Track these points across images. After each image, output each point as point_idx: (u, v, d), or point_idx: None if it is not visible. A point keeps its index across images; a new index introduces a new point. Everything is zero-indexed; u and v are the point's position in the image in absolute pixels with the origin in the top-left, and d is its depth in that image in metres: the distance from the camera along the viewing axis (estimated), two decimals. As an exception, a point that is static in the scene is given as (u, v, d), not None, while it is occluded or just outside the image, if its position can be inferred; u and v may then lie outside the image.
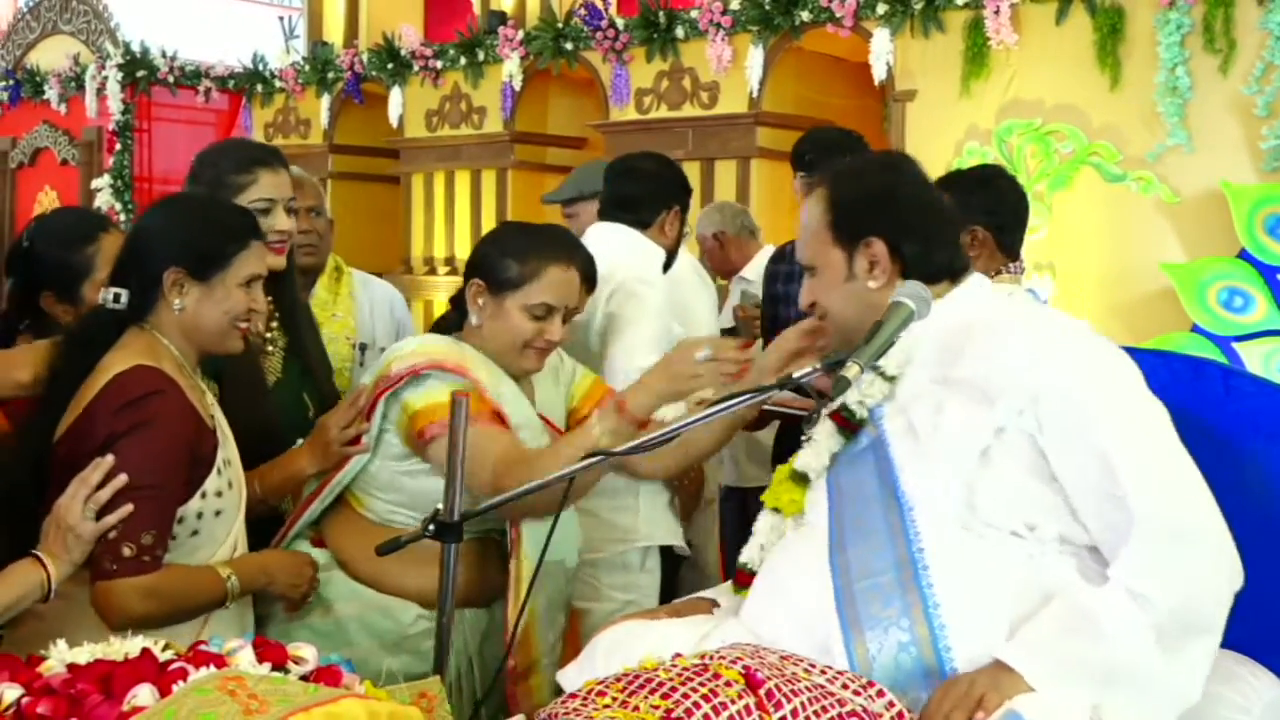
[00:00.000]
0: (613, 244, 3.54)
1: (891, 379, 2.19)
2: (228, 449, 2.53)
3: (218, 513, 2.47)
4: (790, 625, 2.14)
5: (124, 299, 2.47)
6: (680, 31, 6.85)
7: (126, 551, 2.30)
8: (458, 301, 2.86)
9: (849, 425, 2.22)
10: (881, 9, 6.00)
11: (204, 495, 2.43)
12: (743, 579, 2.32)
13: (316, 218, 3.53)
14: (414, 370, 2.67)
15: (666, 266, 3.78)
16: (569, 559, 2.86)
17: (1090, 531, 2.05)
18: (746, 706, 1.79)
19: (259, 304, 2.56)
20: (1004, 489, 2.06)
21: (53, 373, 2.48)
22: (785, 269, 4.27)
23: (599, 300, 3.44)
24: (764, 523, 2.34)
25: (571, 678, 2.22)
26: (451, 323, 2.88)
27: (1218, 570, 1.98)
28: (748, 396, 2.25)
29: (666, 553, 3.57)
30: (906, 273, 2.22)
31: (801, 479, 2.26)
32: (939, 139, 5.87)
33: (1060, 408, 2.04)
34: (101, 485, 2.29)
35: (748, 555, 2.34)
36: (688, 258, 3.98)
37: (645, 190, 3.76)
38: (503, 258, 2.74)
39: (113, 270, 2.54)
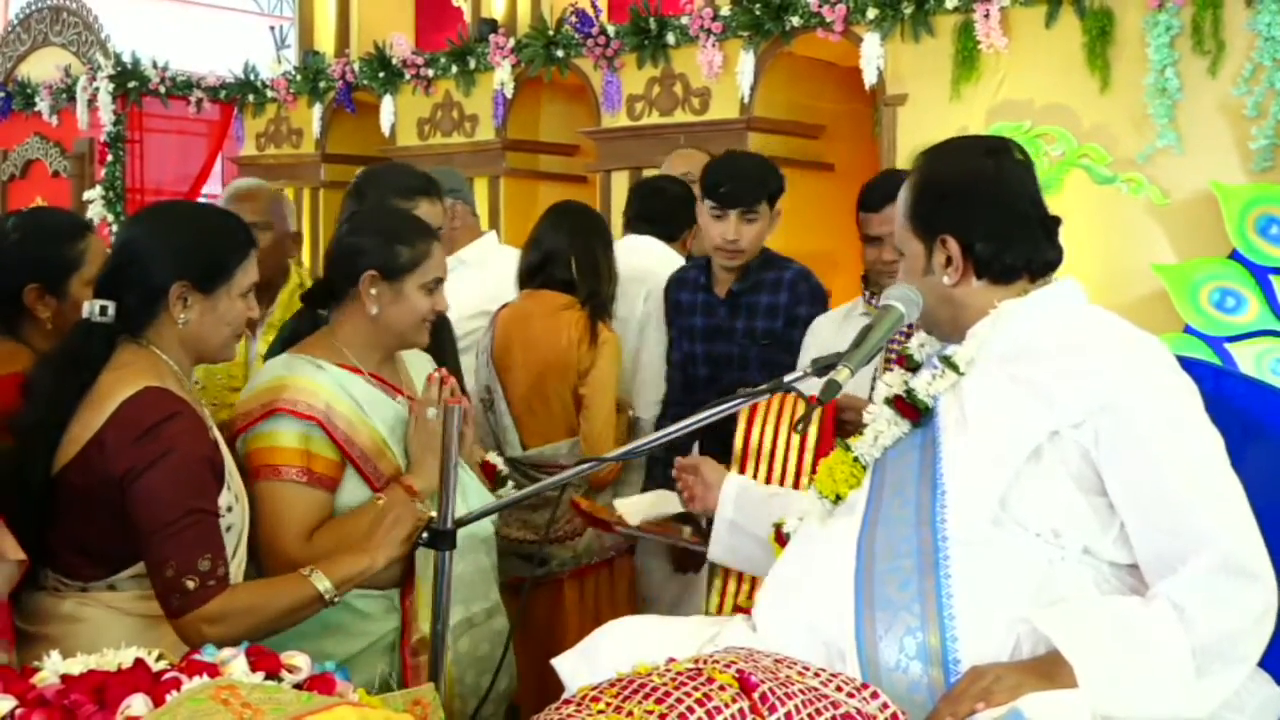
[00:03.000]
0: (645, 252, 4.14)
1: (961, 373, 2.20)
2: (229, 461, 2.52)
3: (228, 527, 2.45)
4: (807, 603, 2.16)
5: (111, 311, 2.42)
6: (671, 38, 6.85)
7: (190, 584, 2.30)
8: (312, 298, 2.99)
9: (913, 413, 2.22)
10: (871, 14, 6.00)
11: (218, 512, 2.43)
12: (782, 539, 2.37)
13: (261, 232, 3.37)
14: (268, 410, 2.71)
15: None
16: (480, 529, 2.88)
17: (1135, 550, 2.07)
18: (741, 710, 1.79)
19: (255, 313, 2.56)
20: (1041, 491, 2.07)
21: (43, 393, 2.41)
22: (689, 298, 3.99)
23: (637, 300, 4.05)
24: (807, 500, 2.37)
25: (570, 667, 2.23)
26: (305, 323, 2.98)
27: (1265, 614, 2.00)
28: (738, 401, 2.27)
29: None
30: (980, 271, 2.24)
31: (856, 463, 2.28)
32: (929, 142, 5.83)
33: (1124, 426, 2.04)
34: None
35: (791, 525, 2.40)
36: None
37: (673, 208, 4.35)
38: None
39: (99, 282, 2.49)
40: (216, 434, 2.52)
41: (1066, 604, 2.03)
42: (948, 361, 2.21)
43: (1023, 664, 1.99)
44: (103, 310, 2.42)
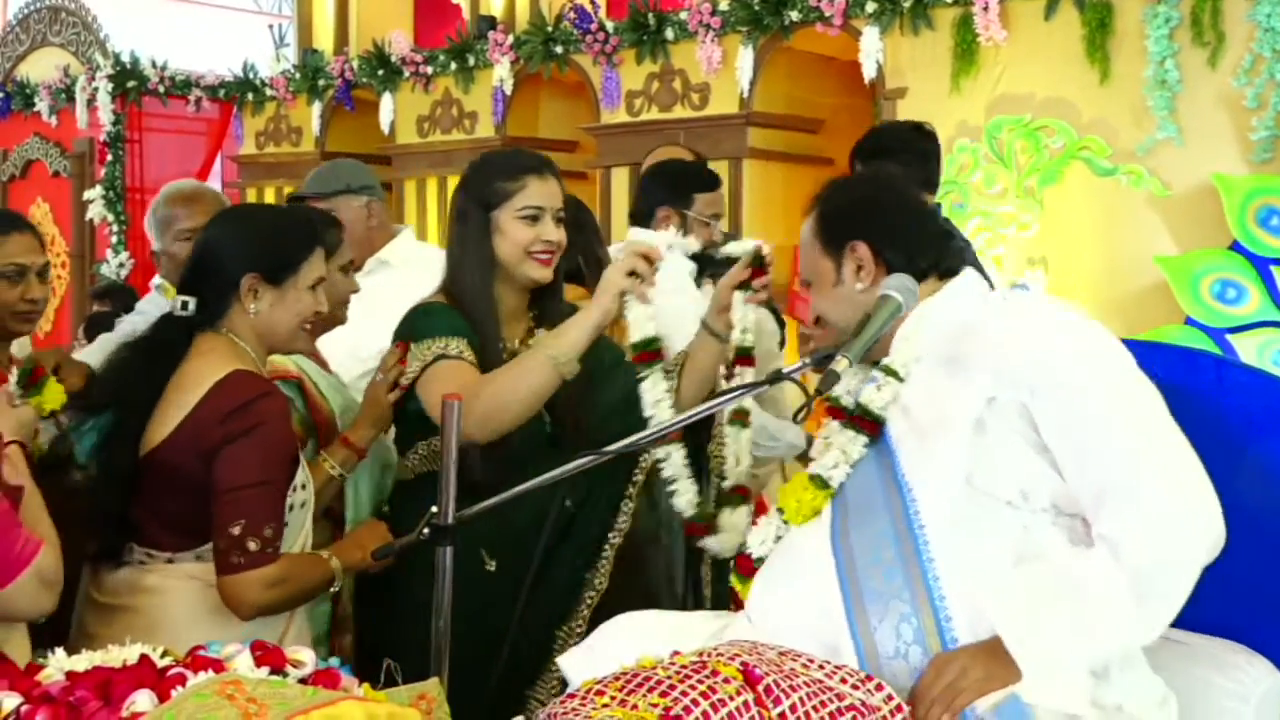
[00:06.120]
0: None
1: (902, 379, 2.23)
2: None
3: (302, 504, 2.61)
4: (796, 612, 2.17)
5: (192, 306, 2.59)
6: (670, 33, 6.85)
7: (252, 546, 2.43)
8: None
9: (872, 427, 2.24)
10: (870, 7, 6.00)
11: (294, 489, 2.56)
12: (744, 564, 2.35)
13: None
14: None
15: (702, 266, 3.84)
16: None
17: (1076, 493, 2.09)
18: (745, 703, 1.80)
19: (323, 306, 2.71)
20: (997, 456, 2.10)
21: (124, 381, 2.60)
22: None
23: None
24: (771, 519, 2.36)
25: (576, 664, 2.23)
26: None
27: (1195, 534, 2.01)
28: (741, 390, 2.28)
29: None
30: (892, 273, 2.28)
31: (823, 484, 2.26)
32: (930, 136, 5.88)
33: (1052, 376, 2.08)
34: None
35: (752, 542, 2.37)
36: None
37: (641, 199, 4.24)
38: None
39: (182, 279, 2.69)
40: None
41: (1016, 608, 2.04)
42: (888, 370, 2.24)
43: (985, 648, 2.01)
44: (184, 305, 2.60)
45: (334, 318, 3.19)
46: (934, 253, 2.32)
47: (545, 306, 2.98)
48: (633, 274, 2.60)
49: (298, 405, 2.98)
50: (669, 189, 4.19)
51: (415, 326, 2.84)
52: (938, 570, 2.06)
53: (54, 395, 2.66)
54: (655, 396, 2.67)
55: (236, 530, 2.42)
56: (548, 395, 2.64)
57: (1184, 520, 2.00)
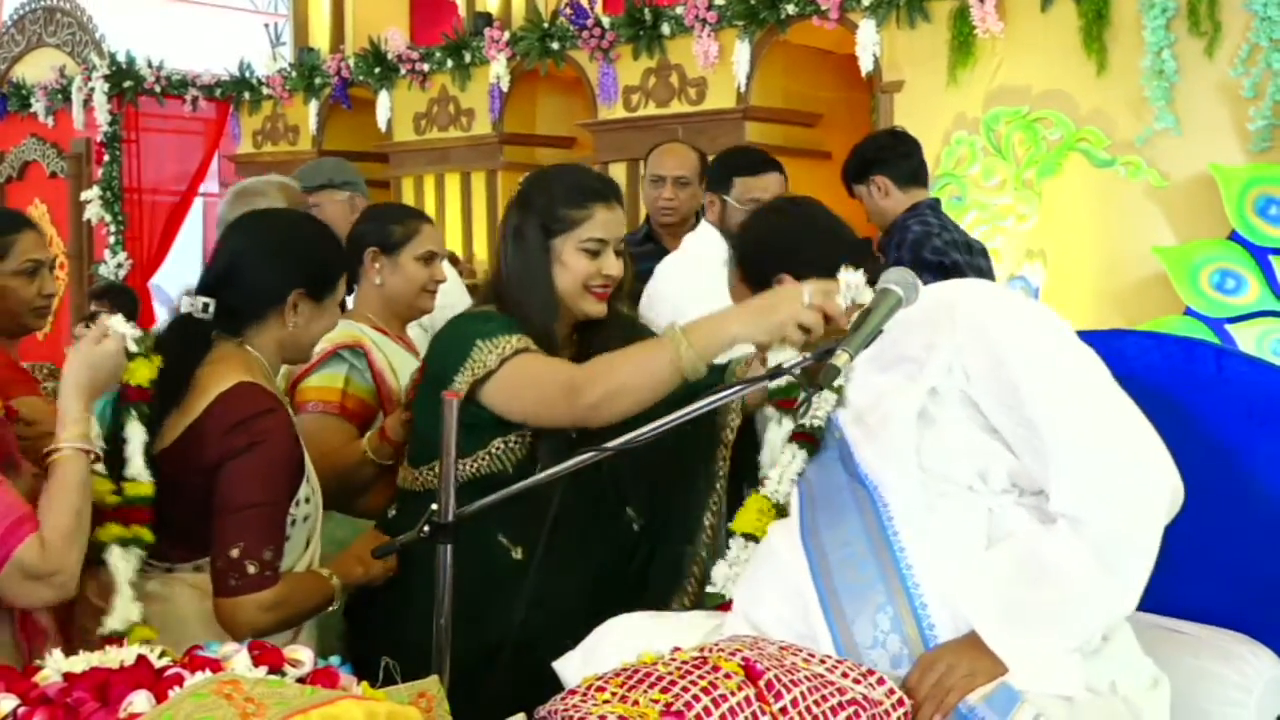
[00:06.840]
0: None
1: (837, 391, 2.27)
2: (308, 456, 2.61)
3: (305, 518, 2.56)
4: (774, 606, 2.17)
5: (211, 309, 2.52)
6: (666, 28, 6.85)
7: (251, 569, 2.38)
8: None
9: (811, 439, 2.30)
10: (867, 0, 6.00)
11: (297, 503, 2.51)
12: (726, 610, 2.34)
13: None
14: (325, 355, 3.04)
15: None
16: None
17: (1025, 465, 2.09)
18: (746, 698, 1.79)
19: (336, 319, 2.74)
20: (949, 442, 2.11)
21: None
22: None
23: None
24: (734, 548, 2.37)
25: (573, 667, 2.22)
26: None
27: (1149, 492, 1.99)
28: (741, 387, 2.27)
29: None
30: None
31: (768, 499, 2.33)
32: (927, 129, 5.86)
33: (983, 354, 2.09)
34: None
35: (717, 578, 2.37)
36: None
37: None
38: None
39: (204, 281, 2.59)
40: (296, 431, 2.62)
41: (991, 598, 2.03)
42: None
43: (968, 642, 2.00)
44: (204, 307, 2.52)
45: (416, 307, 3.31)
46: (854, 263, 2.36)
47: (590, 339, 2.75)
48: (805, 329, 2.35)
49: (365, 376, 3.09)
50: (713, 173, 4.16)
51: (485, 325, 2.65)
52: (909, 559, 2.06)
53: (143, 371, 2.46)
54: (778, 442, 2.44)
55: (235, 553, 2.37)
56: (665, 393, 2.46)
57: (1136, 480, 1.99)
